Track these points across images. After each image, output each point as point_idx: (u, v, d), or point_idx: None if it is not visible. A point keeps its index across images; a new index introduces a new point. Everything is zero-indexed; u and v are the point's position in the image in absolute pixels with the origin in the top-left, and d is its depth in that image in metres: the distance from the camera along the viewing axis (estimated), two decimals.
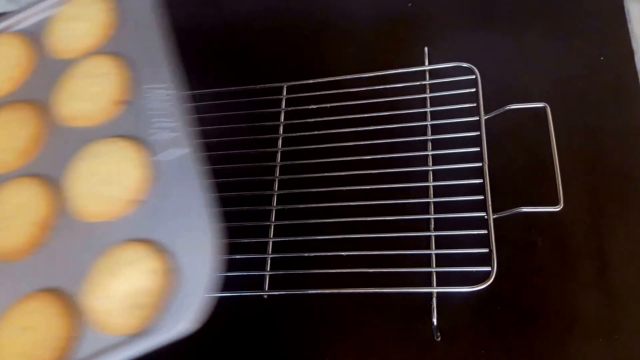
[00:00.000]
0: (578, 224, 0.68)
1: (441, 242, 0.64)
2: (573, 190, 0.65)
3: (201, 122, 0.79)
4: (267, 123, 0.77)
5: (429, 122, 0.71)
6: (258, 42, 0.94)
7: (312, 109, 0.76)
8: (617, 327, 0.63)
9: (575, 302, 0.65)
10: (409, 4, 0.91)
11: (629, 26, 0.80)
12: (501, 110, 0.69)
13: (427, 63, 0.76)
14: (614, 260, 0.66)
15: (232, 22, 0.98)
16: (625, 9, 0.81)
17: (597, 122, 0.75)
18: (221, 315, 0.69)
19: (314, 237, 0.68)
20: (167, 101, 0.58)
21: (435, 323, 0.61)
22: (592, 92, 0.77)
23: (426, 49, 0.76)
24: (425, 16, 0.89)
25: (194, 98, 0.82)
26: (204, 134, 0.76)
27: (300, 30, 0.94)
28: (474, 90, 0.70)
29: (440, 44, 0.83)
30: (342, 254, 0.66)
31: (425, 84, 0.74)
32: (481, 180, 0.65)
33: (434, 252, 0.64)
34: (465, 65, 0.73)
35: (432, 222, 0.66)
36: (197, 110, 0.80)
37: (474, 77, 0.71)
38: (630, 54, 0.78)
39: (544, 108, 0.67)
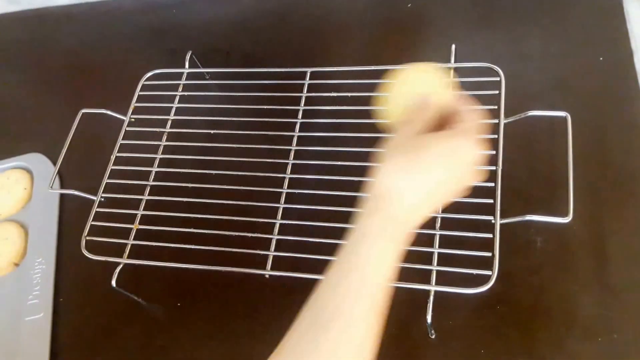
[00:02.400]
0: (578, 224, 0.67)
1: (445, 241, 0.64)
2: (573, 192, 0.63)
3: (228, 100, 0.82)
4: (288, 107, 0.77)
5: None
6: (289, 31, 0.96)
7: (332, 96, 0.76)
8: (617, 326, 0.63)
9: (574, 301, 0.65)
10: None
11: (628, 26, 0.78)
12: (522, 115, 0.68)
13: (453, 61, 0.75)
14: (614, 259, 0.66)
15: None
16: (625, 10, 0.80)
17: (597, 122, 0.74)
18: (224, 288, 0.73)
19: (319, 224, 0.68)
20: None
21: (429, 321, 0.61)
22: (592, 92, 0.76)
23: (453, 46, 0.75)
24: (453, 15, 0.89)
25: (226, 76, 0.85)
26: (229, 113, 0.79)
27: (330, 22, 0.95)
28: (496, 92, 0.69)
29: (466, 42, 0.82)
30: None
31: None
32: (492, 184, 0.64)
33: (436, 250, 0.63)
34: (490, 66, 0.71)
35: (439, 221, 0.65)
36: (226, 88, 0.83)
37: (497, 79, 0.70)
38: (630, 54, 0.77)
39: (564, 117, 0.66)
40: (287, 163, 0.73)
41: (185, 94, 0.83)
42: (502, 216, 0.62)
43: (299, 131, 0.75)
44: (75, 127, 0.80)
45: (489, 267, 0.60)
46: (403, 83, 0.58)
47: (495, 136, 0.67)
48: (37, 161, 0.91)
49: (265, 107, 0.78)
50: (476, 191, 0.64)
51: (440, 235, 0.64)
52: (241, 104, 0.80)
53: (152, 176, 0.77)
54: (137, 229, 0.73)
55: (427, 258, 0.63)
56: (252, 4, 1.00)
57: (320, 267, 0.64)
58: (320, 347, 0.42)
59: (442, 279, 0.62)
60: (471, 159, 0.48)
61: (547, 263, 0.67)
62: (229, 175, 0.74)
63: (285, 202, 0.71)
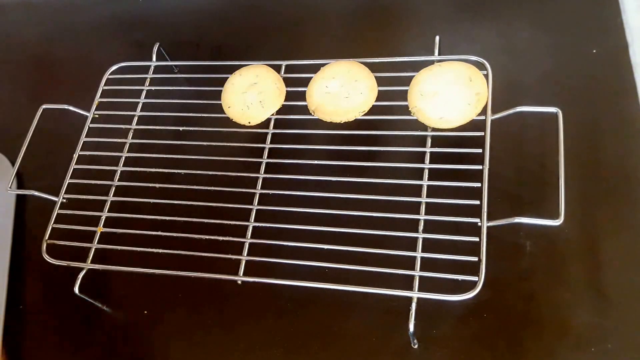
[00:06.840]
0: (569, 226, 0.65)
1: (428, 246, 0.62)
2: (565, 193, 0.61)
3: (197, 95, 0.80)
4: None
5: None
6: (263, 22, 0.94)
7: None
8: (611, 335, 0.61)
9: (566, 308, 0.63)
10: None
11: (623, 17, 0.77)
12: (510, 111, 0.66)
13: (437, 53, 0.73)
14: (607, 264, 0.64)
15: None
16: (619, 0, 0.78)
17: (590, 118, 0.72)
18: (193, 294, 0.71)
19: (295, 227, 0.66)
20: None
21: (412, 329, 0.59)
22: (584, 86, 0.74)
23: (437, 37, 0.73)
24: (437, 4, 0.87)
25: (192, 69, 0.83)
26: (199, 109, 0.77)
27: (306, 12, 0.93)
28: None
29: (451, 34, 0.81)
30: (323, 247, 0.63)
31: None
32: (479, 184, 0.62)
33: (419, 254, 0.61)
34: (477, 59, 0.69)
35: (422, 224, 0.63)
36: (195, 82, 0.81)
37: (484, 73, 0.68)
38: (625, 46, 0.75)
39: (555, 113, 0.64)
40: (261, 162, 0.71)
41: (153, 88, 0.81)
42: (489, 218, 0.60)
43: (273, 128, 0.73)
44: (35, 123, 0.78)
45: (475, 272, 0.58)
46: None
47: (482, 133, 0.65)
48: None
49: None
50: (462, 192, 0.63)
51: (424, 239, 0.62)
52: (212, 99, 0.77)
53: (117, 176, 0.75)
54: (101, 232, 0.71)
55: (409, 263, 0.61)
56: None
57: (294, 272, 0.63)
58: None
59: (426, 285, 0.60)
60: None
61: (537, 268, 0.65)
62: (198, 174, 0.73)
63: (259, 204, 0.68)
